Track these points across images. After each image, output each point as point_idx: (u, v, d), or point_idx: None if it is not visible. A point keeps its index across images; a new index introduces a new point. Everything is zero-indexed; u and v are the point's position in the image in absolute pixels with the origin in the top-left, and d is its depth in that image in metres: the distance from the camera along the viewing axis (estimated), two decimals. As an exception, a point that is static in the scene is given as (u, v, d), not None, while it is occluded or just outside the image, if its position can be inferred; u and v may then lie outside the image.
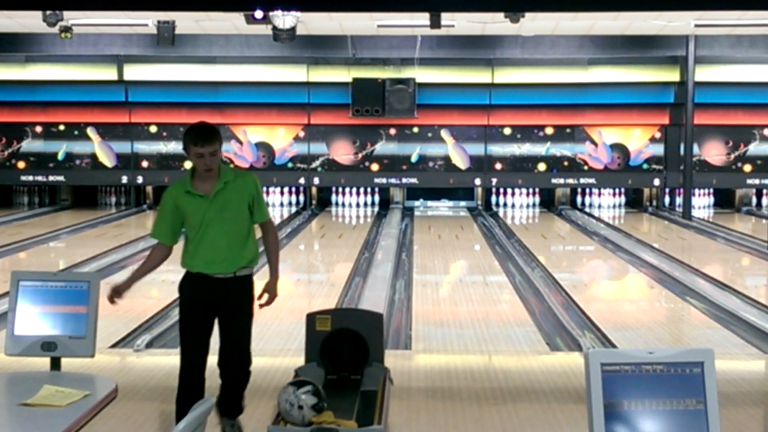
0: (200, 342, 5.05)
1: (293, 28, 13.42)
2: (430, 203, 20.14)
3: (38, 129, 19.20)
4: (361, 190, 19.90)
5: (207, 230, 4.90)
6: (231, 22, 14.58)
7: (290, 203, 19.77)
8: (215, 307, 5.00)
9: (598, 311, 9.27)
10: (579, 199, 19.97)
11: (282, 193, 19.87)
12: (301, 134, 19.15)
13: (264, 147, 19.16)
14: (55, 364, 4.33)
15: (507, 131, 19.12)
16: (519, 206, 19.84)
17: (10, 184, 19.86)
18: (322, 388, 4.67)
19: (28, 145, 19.26)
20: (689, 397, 2.88)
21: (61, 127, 19.18)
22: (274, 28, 13.39)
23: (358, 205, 19.89)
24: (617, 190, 19.94)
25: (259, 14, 12.59)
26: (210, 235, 4.90)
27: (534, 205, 19.89)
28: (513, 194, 19.92)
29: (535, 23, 14.71)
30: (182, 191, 4.92)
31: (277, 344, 7.82)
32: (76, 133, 19.18)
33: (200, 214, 4.89)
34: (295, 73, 18.68)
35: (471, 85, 18.74)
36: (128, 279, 5.17)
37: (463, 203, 20.16)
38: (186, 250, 5.00)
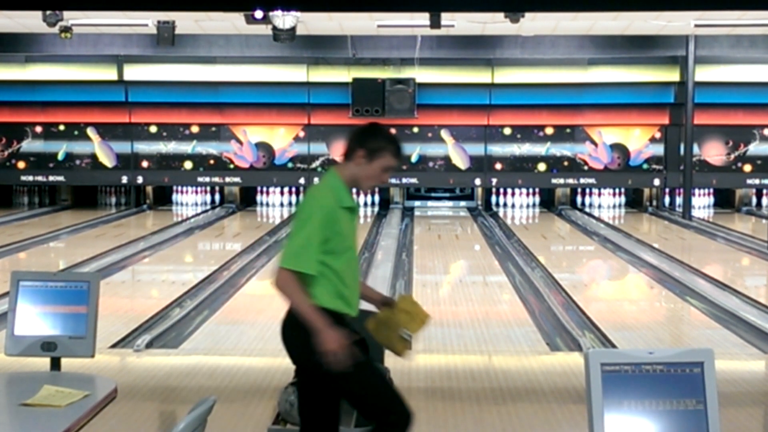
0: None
1: (293, 28, 13.42)
2: (430, 203, 20.14)
3: (38, 129, 19.20)
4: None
5: (352, 255, 3.90)
6: (231, 22, 14.58)
7: (290, 203, 19.76)
8: None
9: (598, 311, 9.27)
10: (579, 199, 19.97)
11: (282, 193, 19.87)
12: (301, 134, 19.15)
13: (264, 147, 19.17)
14: (55, 364, 4.33)
15: (507, 131, 19.12)
16: (519, 206, 19.83)
17: (10, 184, 19.86)
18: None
19: (28, 145, 19.26)
20: (689, 397, 2.88)
21: (61, 127, 19.18)
22: (274, 28, 13.40)
23: (358, 205, 19.88)
24: (617, 190, 19.94)
25: (259, 14, 12.60)
26: (354, 261, 3.90)
27: (534, 205, 19.89)
28: (513, 194, 19.92)
29: (535, 23, 14.71)
30: (339, 205, 3.85)
31: (277, 344, 7.80)
32: (76, 133, 19.18)
33: (352, 235, 3.90)
34: (295, 73, 18.69)
35: (471, 85, 18.75)
36: (322, 324, 3.73)
37: (463, 203, 20.17)
38: (325, 286, 3.81)
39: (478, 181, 19.29)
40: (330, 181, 3.90)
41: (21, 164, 19.28)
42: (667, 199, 19.95)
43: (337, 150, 19.11)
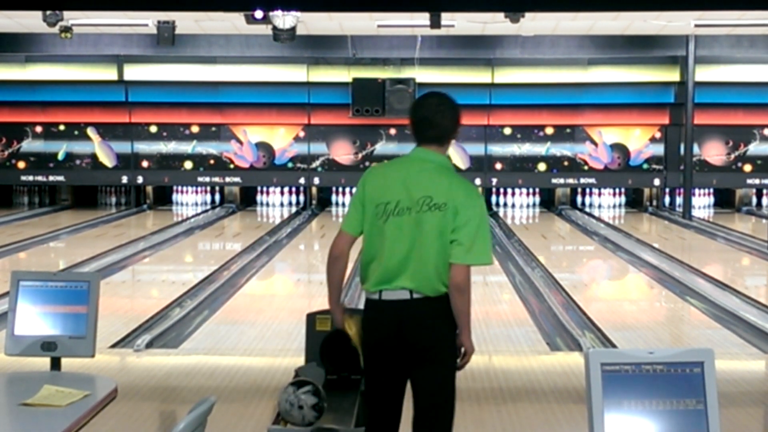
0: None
1: (293, 28, 13.42)
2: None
3: (38, 129, 19.20)
4: (361, 190, 19.86)
5: None
6: (231, 22, 14.58)
7: (290, 203, 19.77)
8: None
9: (598, 311, 9.27)
10: (579, 199, 19.96)
11: (282, 193, 19.87)
12: (301, 134, 19.15)
13: (264, 147, 19.17)
14: (55, 364, 4.33)
15: (507, 131, 19.12)
16: (519, 206, 19.83)
17: (10, 184, 19.85)
18: (322, 388, 4.66)
19: (28, 145, 19.26)
20: (689, 397, 2.88)
21: (61, 127, 19.17)
22: (274, 28, 13.39)
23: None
24: (617, 190, 19.94)
25: (259, 14, 12.60)
26: None
27: (534, 205, 19.88)
28: (513, 194, 19.92)
29: (535, 23, 14.71)
30: None
31: (277, 344, 7.82)
32: (76, 133, 19.18)
33: None
34: (295, 73, 18.69)
35: (471, 85, 18.73)
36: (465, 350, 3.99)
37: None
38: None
39: (478, 181, 19.27)
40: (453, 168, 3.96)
41: (21, 164, 19.28)
42: (667, 199, 19.94)
43: (337, 150, 19.10)
